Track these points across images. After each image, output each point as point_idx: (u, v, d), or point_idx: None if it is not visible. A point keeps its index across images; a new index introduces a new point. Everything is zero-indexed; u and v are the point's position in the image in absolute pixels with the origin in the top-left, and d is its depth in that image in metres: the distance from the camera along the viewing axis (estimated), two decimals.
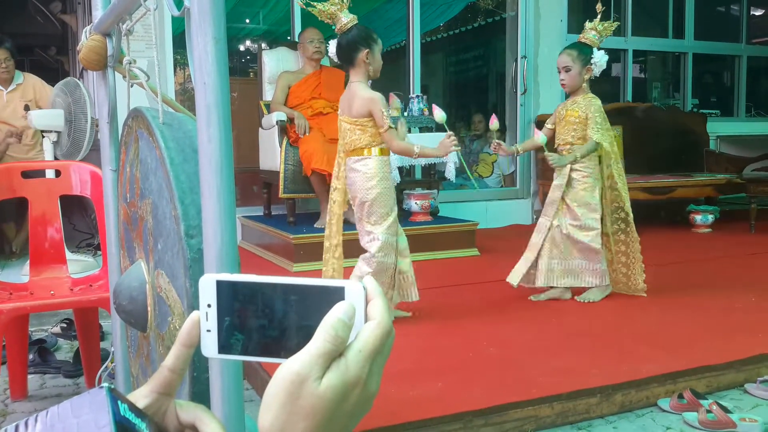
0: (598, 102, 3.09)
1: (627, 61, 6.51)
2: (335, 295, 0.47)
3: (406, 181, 4.88)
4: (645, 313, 2.92)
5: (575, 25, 6.41)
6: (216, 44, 0.88)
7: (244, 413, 0.96)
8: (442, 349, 2.53)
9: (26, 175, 2.49)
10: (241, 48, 9.18)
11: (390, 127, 2.67)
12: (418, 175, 5.22)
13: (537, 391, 2.06)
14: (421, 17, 5.60)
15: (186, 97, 7.04)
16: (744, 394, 2.28)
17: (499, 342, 2.58)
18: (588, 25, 3.13)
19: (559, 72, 3.12)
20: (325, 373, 0.44)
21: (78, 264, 3.81)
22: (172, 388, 0.50)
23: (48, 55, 9.28)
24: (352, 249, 3.04)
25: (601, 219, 3.11)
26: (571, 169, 3.07)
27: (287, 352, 0.46)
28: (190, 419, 0.50)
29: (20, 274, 3.72)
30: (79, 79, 4.41)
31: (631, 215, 3.16)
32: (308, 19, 5.20)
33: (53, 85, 4.35)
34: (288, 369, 0.44)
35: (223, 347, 0.49)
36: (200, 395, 1.03)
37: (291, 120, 4.25)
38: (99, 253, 4.29)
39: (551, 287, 3.12)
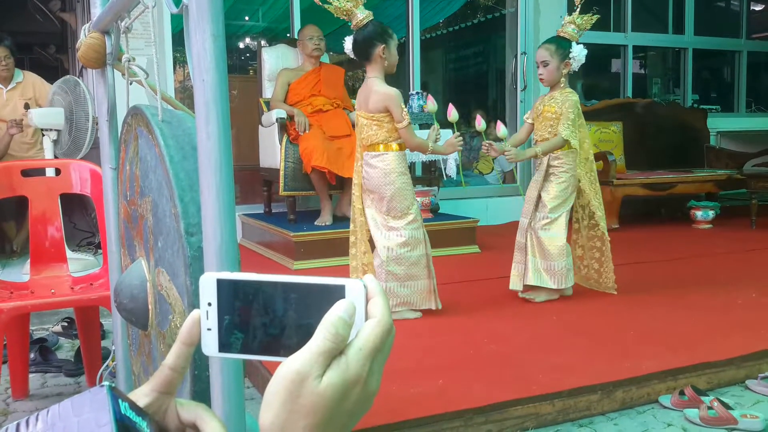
0: (575, 98, 3.02)
1: (627, 56, 6.51)
2: (336, 293, 0.47)
3: None
4: (645, 310, 2.92)
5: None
6: (214, 41, 0.88)
7: (245, 411, 0.96)
8: (442, 346, 2.53)
9: (26, 173, 2.49)
10: (241, 45, 9.17)
11: (409, 123, 2.70)
12: (419, 172, 5.22)
13: (537, 388, 2.06)
14: (420, 14, 5.59)
15: (186, 94, 7.04)
16: (745, 390, 2.28)
17: (500, 339, 2.58)
18: (567, 18, 3.08)
19: (538, 66, 3.09)
20: (326, 372, 0.44)
21: (78, 262, 3.81)
22: (173, 387, 0.50)
23: (47, 54, 9.27)
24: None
25: (574, 216, 3.09)
26: (549, 165, 3.05)
27: (288, 350, 0.46)
28: (191, 418, 0.50)
29: (21, 273, 3.72)
30: (78, 78, 4.41)
31: (600, 214, 3.10)
32: (308, 16, 5.20)
33: (53, 84, 4.35)
34: (288, 367, 0.44)
35: (224, 346, 0.49)
36: (201, 393, 1.03)
37: (291, 117, 4.25)
38: (100, 251, 4.29)
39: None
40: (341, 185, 4.26)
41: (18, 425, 0.43)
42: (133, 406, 0.45)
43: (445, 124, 3.09)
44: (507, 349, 2.47)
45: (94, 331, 2.47)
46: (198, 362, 1.04)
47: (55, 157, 4.04)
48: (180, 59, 6.23)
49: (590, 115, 5.86)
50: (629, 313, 2.88)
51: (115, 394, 0.44)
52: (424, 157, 4.54)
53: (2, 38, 4.51)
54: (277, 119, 4.24)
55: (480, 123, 2.99)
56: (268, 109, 4.49)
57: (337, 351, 0.45)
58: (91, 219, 4.98)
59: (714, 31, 7.20)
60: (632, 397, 2.15)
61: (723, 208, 5.43)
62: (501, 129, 2.98)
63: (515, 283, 3.09)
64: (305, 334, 0.46)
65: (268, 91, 4.67)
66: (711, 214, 5.23)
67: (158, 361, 1.27)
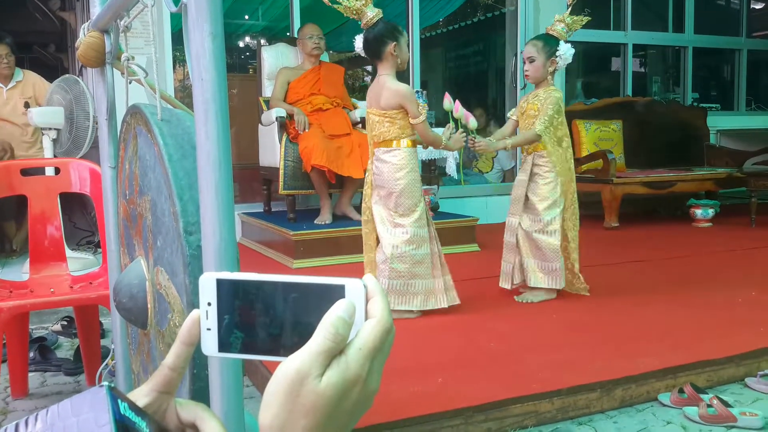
0: (558, 95, 3.00)
1: (627, 55, 6.51)
2: (335, 292, 0.47)
3: None
4: (645, 308, 2.92)
5: None
6: (213, 40, 0.88)
7: (244, 410, 0.96)
8: (442, 344, 2.53)
9: (25, 172, 2.49)
10: (241, 44, 9.16)
11: (425, 119, 2.73)
12: (419, 170, 5.22)
13: (537, 386, 2.06)
14: (420, 12, 5.59)
15: (185, 93, 7.03)
16: (744, 388, 2.28)
17: (500, 337, 2.58)
18: (557, 17, 3.06)
19: (524, 63, 3.08)
20: (326, 371, 0.44)
21: (78, 261, 3.80)
22: (173, 387, 0.50)
23: (47, 53, 9.26)
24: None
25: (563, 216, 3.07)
26: (534, 164, 3.04)
27: (287, 350, 0.46)
28: (190, 418, 0.50)
29: (20, 272, 3.72)
30: (78, 76, 4.41)
31: (569, 214, 3.06)
32: (307, 15, 5.20)
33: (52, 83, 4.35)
34: (288, 367, 0.44)
35: (223, 345, 0.49)
36: (200, 392, 1.03)
37: (290, 116, 4.24)
38: (99, 250, 4.29)
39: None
40: (341, 184, 4.26)
41: (17, 425, 0.43)
42: (133, 406, 0.45)
43: (444, 119, 3.08)
44: (507, 347, 2.47)
45: (93, 329, 2.47)
46: (197, 361, 1.04)
47: (55, 156, 4.04)
48: (179, 58, 6.22)
49: (590, 114, 5.86)
50: (629, 311, 2.89)
51: (115, 394, 0.44)
52: (424, 156, 4.54)
53: (3, 36, 4.52)
54: (276, 118, 4.23)
55: (470, 120, 2.96)
56: (268, 108, 4.49)
57: (337, 350, 0.45)
58: (91, 218, 4.98)
59: (714, 30, 7.20)
60: (632, 395, 2.15)
61: (723, 206, 5.43)
62: (471, 120, 2.95)
63: (504, 282, 3.09)
64: (305, 333, 0.46)
65: (267, 90, 4.67)
66: (711, 212, 5.23)
67: (157, 360, 1.27)
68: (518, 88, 5.80)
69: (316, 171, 4.04)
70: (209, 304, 0.49)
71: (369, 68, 10.96)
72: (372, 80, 3.01)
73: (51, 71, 6.79)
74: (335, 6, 2.77)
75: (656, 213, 5.99)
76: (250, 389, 2.36)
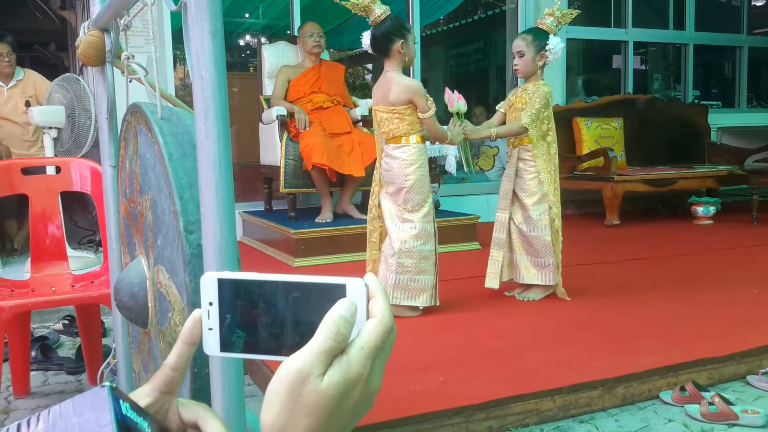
0: (547, 89, 2.98)
1: (628, 52, 6.50)
2: (337, 292, 0.46)
3: None
4: (646, 306, 2.92)
5: (575, 17, 6.39)
6: (213, 38, 0.88)
7: (245, 409, 0.96)
8: (443, 342, 2.53)
9: (26, 171, 2.49)
10: (241, 43, 9.16)
11: (434, 113, 2.74)
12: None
13: (538, 384, 2.06)
14: (420, 10, 5.58)
15: (186, 92, 7.03)
16: (746, 386, 2.28)
17: (501, 335, 2.58)
18: (547, 10, 3.04)
19: (514, 57, 3.07)
20: (327, 371, 0.44)
21: (79, 260, 3.81)
22: (174, 387, 0.50)
23: (47, 52, 9.26)
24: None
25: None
26: (519, 158, 3.03)
27: (289, 349, 0.46)
28: (192, 418, 0.50)
29: (22, 271, 3.72)
30: (79, 75, 4.41)
31: (555, 210, 3.01)
32: (308, 13, 5.20)
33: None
34: (290, 366, 0.44)
35: (225, 345, 0.49)
36: (201, 391, 1.03)
37: (291, 115, 4.24)
38: (100, 249, 4.30)
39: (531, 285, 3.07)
40: (342, 182, 4.26)
41: (19, 425, 0.43)
42: (135, 406, 0.45)
43: (447, 115, 3.07)
44: (508, 345, 2.47)
45: (95, 328, 2.47)
46: (198, 360, 1.04)
47: (56, 155, 4.04)
48: (180, 57, 6.22)
49: (591, 112, 5.86)
50: (630, 308, 2.88)
51: (117, 395, 0.44)
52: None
53: (3, 35, 4.52)
54: (277, 116, 4.23)
55: (453, 104, 2.94)
56: (269, 107, 4.49)
57: (338, 350, 0.45)
58: (92, 217, 4.98)
59: (715, 27, 7.19)
60: (633, 393, 2.15)
61: (724, 204, 5.43)
62: (456, 104, 2.93)
63: (491, 281, 3.03)
64: (306, 333, 0.46)
65: (268, 89, 4.67)
66: (712, 210, 5.23)
67: (158, 359, 1.27)
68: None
69: (316, 169, 4.04)
70: (211, 303, 0.49)
71: (370, 66, 10.95)
72: (373, 78, 3.01)
73: (51, 70, 6.79)
74: (343, 3, 2.77)
75: (657, 211, 5.99)
76: (252, 388, 2.36)
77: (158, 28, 4.54)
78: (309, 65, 4.52)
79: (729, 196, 6.12)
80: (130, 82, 1.42)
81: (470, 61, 9.64)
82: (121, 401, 0.44)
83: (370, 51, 2.87)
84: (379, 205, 2.89)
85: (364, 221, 3.22)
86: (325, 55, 4.71)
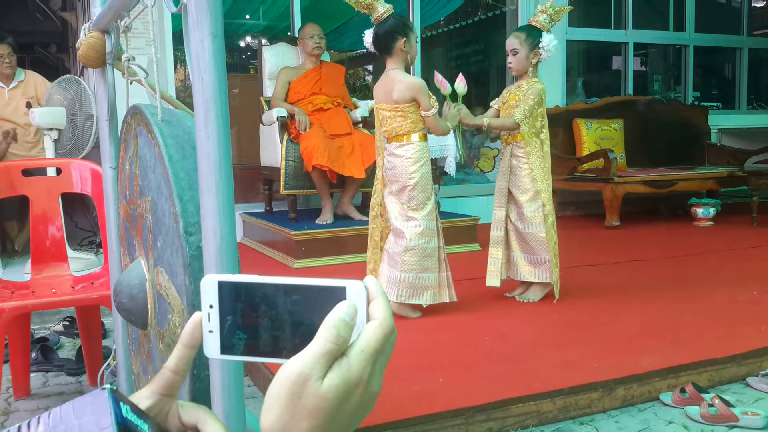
0: (540, 87, 2.98)
1: (628, 54, 6.50)
2: (337, 294, 0.46)
3: None
4: (646, 307, 2.92)
5: (575, 18, 6.40)
6: (213, 40, 0.88)
7: (245, 410, 0.96)
8: (443, 344, 2.53)
9: (27, 173, 2.49)
10: (242, 44, 9.16)
11: (436, 111, 2.75)
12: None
13: (538, 385, 2.06)
14: (420, 12, 5.59)
15: (187, 94, 7.03)
16: (746, 387, 2.28)
17: (500, 337, 2.58)
18: (539, 7, 3.04)
19: (507, 55, 3.08)
20: (327, 373, 0.44)
21: (79, 262, 3.81)
22: (174, 389, 0.50)
23: (48, 53, 9.27)
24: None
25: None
26: (512, 154, 3.03)
27: (289, 352, 0.46)
28: (192, 420, 0.50)
29: (22, 272, 3.72)
30: (79, 77, 4.41)
31: (549, 207, 2.99)
32: (308, 15, 5.20)
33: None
34: (290, 369, 0.44)
35: (226, 348, 0.49)
36: (200, 393, 1.03)
37: (291, 116, 4.24)
38: (101, 250, 4.30)
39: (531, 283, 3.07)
40: (342, 184, 4.26)
41: (19, 428, 0.43)
42: (135, 408, 0.45)
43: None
44: (508, 346, 2.47)
45: (95, 330, 2.47)
46: (197, 362, 1.04)
47: (57, 156, 4.05)
48: (180, 58, 6.22)
49: (591, 113, 5.86)
50: (630, 310, 2.88)
51: (117, 397, 0.44)
52: None
53: (4, 36, 4.52)
54: (277, 118, 4.23)
55: (444, 86, 2.93)
56: (269, 108, 4.49)
57: (338, 352, 0.45)
58: (93, 218, 4.99)
59: (715, 28, 7.19)
60: (633, 394, 2.15)
61: (724, 205, 5.43)
62: (446, 86, 2.92)
63: (492, 279, 3.05)
64: (307, 335, 0.46)
65: (268, 90, 4.67)
66: (712, 211, 5.23)
67: (157, 361, 1.27)
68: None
69: (317, 171, 4.04)
70: (211, 306, 0.49)
71: (370, 68, 10.96)
72: (374, 79, 3.01)
73: (52, 71, 6.80)
74: (346, 0, 2.77)
75: (657, 212, 5.98)
76: (252, 389, 2.36)
77: (159, 29, 4.55)
78: (309, 67, 4.53)
79: (729, 198, 6.12)
80: (131, 83, 1.42)
81: (471, 62, 9.64)
82: (121, 404, 0.44)
83: (372, 49, 2.87)
84: (382, 204, 2.89)
85: (365, 223, 3.23)
86: (326, 57, 4.71)
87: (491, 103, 3.23)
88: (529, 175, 2.98)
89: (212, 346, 0.49)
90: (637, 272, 3.65)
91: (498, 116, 3.13)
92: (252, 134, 4.98)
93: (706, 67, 8.26)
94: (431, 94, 2.80)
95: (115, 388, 0.45)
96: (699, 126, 6.40)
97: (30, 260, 2.49)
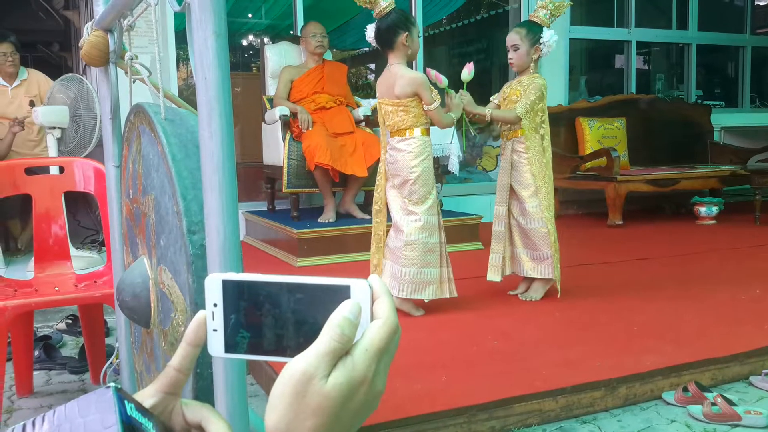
0: (542, 82, 2.98)
1: (630, 52, 6.49)
2: (341, 293, 0.47)
3: None
4: (649, 306, 2.91)
5: (578, 17, 6.39)
6: (217, 39, 0.88)
7: (248, 408, 0.96)
8: (445, 342, 2.53)
9: (30, 171, 2.49)
10: (244, 43, 9.17)
11: (439, 105, 2.75)
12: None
13: (541, 384, 2.06)
14: (423, 10, 5.58)
15: (190, 92, 7.04)
16: (749, 386, 2.28)
17: (503, 335, 2.58)
18: (539, 3, 3.03)
19: (508, 50, 3.07)
20: (332, 372, 0.44)
21: (82, 260, 3.82)
22: (179, 388, 0.50)
23: (51, 52, 9.28)
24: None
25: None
26: (512, 150, 3.03)
27: (293, 350, 0.46)
28: (196, 419, 0.50)
29: (25, 270, 3.73)
30: (82, 75, 4.42)
31: (546, 204, 2.98)
32: (310, 14, 5.20)
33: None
34: (294, 367, 0.44)
35: (230, 346, 0.49)
36: (204, 391, 1.03)
37: (294, 115, 4.24)
38: (104, 249, 4.30)
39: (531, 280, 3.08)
40: (344, 182, 4.26)
41: (24, 426, 0.43)
42: (139, 407, 0.45)
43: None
44: (510, 345, 2.47)
45: (98, 328, 2.48)
46: (200, 360, 1.04)
47: (60, 154, 4.05)
48: (183, 57, 6.23)
49: (594, 111, 5.85)
50: (633, 309, 2.88)
51: (121, 395, 0.44)
52: None
53: (7, 34, 4.53)
54: (280, 116, 4.23)
55: (441, 80, 2.93)
56: (271, 107, 4.49)
57: (342, 351, 0.45)
58: (95, 216, 4.99)
59: (718, 27, 7.17)
60: (635, 393, 2.15)
61: (727, 204, 5.42)
62: (442, 79, 2.91)
63: (493, 274, 3.06)
64: (311, 334, 0.46)
65: (271, 89, 4.67)
66: (715, 210, 5.22)
67: (160, 359, 1.27)
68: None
69: (319, 169, 4.04)
70: (215, 305, 0.49)
71: (372, 66, 10.95)
72: (376, 78, 3.01)
73: (55, 70, 6.81)
74: None
75: (660, 211, 5.98)
76: (255, 388, 2.36)
77: (161, 28, 4.55)
78: (312, 65, 4.53)
79: (732, 196, 6.11)
80: (134, 82, 1.42)
81: (473, 60, 9.63)
82: (126, 402, 0.44)
83: (374, 44, 2.87)
84: (384, 199, 2.89)
85: (367, 221, 3.23)
86: (328, 55, 4.71)
87: (491, 98, 3.23)
88: (530, 170, 2.98)
89: (216, 345, 0.49)
90: (640, 271, 3.65)
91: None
92: (254, 133, 4.99)
93: (708, 65, 8.24)
94: (433, 88, 2.80)
95: (119, 386, 0.45)
96: (702, 124, 6.39)
97: (33, 259, 2.50)
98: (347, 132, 4.20)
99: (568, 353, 2.35)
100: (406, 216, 2.79)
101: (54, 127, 4.04)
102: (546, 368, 2.20)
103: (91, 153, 4.06)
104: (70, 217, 3.60)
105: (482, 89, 9.36)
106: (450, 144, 4.46)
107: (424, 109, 2.77)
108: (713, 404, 2.01)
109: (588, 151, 5.52)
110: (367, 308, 0.46)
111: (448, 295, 2.82)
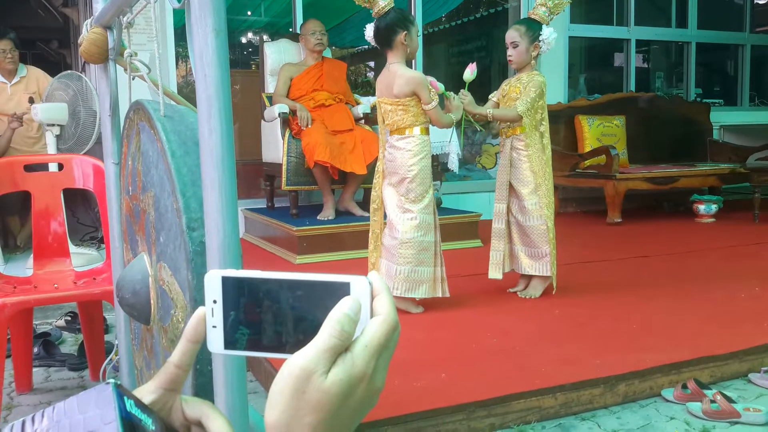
0: (541, 79, 2.98)
1: (630, 50, 6.49)
2: (341, 290, 0.47)
3: None
4: (648, 303, 2.92)
5: (577, 15, 6.38)
6: (216, 36, 0.88)
7: (248, 405, 0.96)
8: (445, 340, 2.53)
9: (29, 168, 2.49)
10: (243, 40, 9.15)
11: (437, 104, 2.76)
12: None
13: (540, 381, 2.06)
14: (422, 8, 5.58)
15: (189, 90, 7.03)
16: (748, 383, 2.28)
17: (502, 332, 2.58)
18: (539, 1, 3.02)
19: (507, 48, 3.07)
20: (331, 368, 0.44)
21: (82, 257, 3.81)
22: (178, 384, 0.50)
23: (50, 49, 9.27)
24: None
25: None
26: (512, 147, 3.03)
27: (293, 347, 0.46)
28: (196, 415, 0.50)
29: (24, 267, 3.73)
30: (81, 73, 4.41)
31: (546, 201, 2.98)
32: (310, 11, 5.19)
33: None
34: (294, 364, 0.44)
35: (229, 343, 0.49)
36: (203, 388, 1.03)
37: (293, 112, 4.24)
38: (103, 246, 4.30)
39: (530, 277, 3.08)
40: (344, 180, 4.26)
41: (24, 422, 0.43)
42: (139, 403, 0.45)
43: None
44: (509, 342, 2.47)
45: (97, 325, 2.48)
46: (200, 356, 1.04)
47: (59, 151, 4.05)
48: (183, 54, 6.22)
49: (593, 109, 5.85)
50: (632, 306, 2.88)
51: (121, 392, 0.44)
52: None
53: (6, 31, 4.52)
54: (279, 114, 4.23)
55: (437, 87, 2.92)
56: (271, 104, 4.49)
57: (342, 348, 0.45)
58: (95, 214, 4.99)
59: (717, 25, 7.17)
60: (635, 390, 2.15)
61: (726, 202, 5.42)
62: (438, 87, 2.92)
63: (494, 272, 3.06)
64: (310, 331, 0.46)
65: (270, 86, 4.67)
66: (714, 208, 5.22)
67: (160, 356, 1.27)
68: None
69: (318, 167, 4.04)
70: (215, 301, 0.49)
71: (372, 64, 10.94)
72: (375, 75, 3.00)
73: (54, 67, 6.80)
74: None
75: (659, 209, 5.98)
76: (254, 384, 2.37)
77: (161, 25, 4.54)
78: (311, 63, 4.52)
79: (731, 194, 6.11)
80: (133, 79, 1.42)
81: (472, 59, 9.60)
82: (125, 398, 0.44)
83: (373, 43, 2.87)
84: (382, 197, 2.90)
85: (366, 219, 3.23)
86: (327, 53, 4.70)
87: (490, 96, 3.23)
88: (529, 168, 2.98)
89: (216, 341, 0.49)
90: (639, 269, 3.65)
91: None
92: (254, 130, 4.98)
93: (708, 63, 8.25)
94: (430, 88, 2.80)
95: (119, 382, 0.45)
96: (701, 123, 6.39)
97: (32, 256, 2.50)
98: (346, 129, 4.20)
99: (567, 350, 2.35)
100: (402, 214, 2.79)
101: (53, 124, 4.04)
102: (545, 365, 2.20)
103: (90, 150, 4.06)
104: (69, 214, 3.59)
105: (482, 88, 9.37)
106: (449, 142, 4.46)
107: (423, 109, 2.78)
108: (712, 401, 2.02)
109: (587, 149, 5.53)
110: (367, 305, 0.46)
111: (440, 295, 2.82)
